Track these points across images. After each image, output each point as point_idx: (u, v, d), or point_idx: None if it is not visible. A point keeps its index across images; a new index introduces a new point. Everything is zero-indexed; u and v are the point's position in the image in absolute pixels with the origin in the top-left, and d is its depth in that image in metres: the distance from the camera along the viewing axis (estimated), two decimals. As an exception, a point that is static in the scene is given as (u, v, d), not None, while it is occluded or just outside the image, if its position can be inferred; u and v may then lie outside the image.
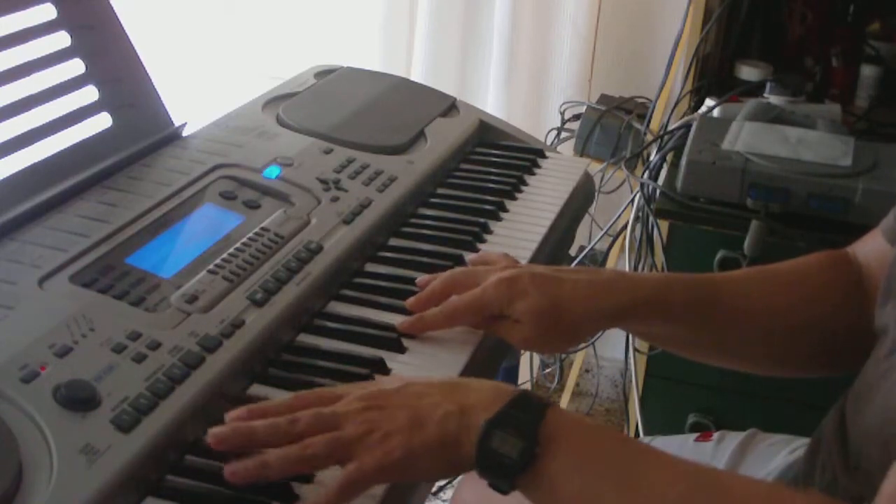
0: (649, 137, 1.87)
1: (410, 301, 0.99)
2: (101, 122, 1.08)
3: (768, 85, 1.80)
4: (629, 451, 0.76)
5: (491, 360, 1.00)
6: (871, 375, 0.88)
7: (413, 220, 1.18)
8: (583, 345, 2.16)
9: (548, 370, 2.44)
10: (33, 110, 1.01)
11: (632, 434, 1.95)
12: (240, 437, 0.76)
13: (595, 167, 1.85)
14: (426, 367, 0.91)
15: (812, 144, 1.60)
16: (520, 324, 0.95)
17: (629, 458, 0.76)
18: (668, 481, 0.74)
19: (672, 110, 1.86)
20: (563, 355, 2.23)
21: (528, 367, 2.29)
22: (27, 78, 1.01)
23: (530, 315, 0.94)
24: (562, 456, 0.74)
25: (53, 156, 1.02)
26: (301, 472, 0.75)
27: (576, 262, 1.99)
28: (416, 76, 2.21)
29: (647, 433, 1.82)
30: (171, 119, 1.16)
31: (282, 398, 0.81)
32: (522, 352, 2.17)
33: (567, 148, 2.04)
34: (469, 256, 1.08)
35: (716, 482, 0.74)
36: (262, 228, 1.01)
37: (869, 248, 1.01)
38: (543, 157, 1.38)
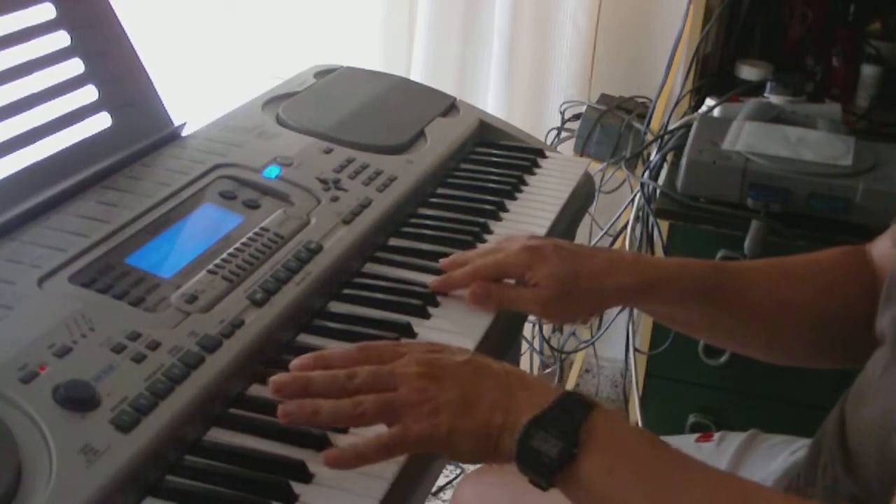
0: (649, 137, 1.87)
1: (445, 260, 1.04)
2: (101, 121, 1.08)
3: (768, 85, 1.80)
4: (662, 457, 0.77)
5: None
6: (870, 377, 0.88)
7: (413, 220, 1.17)
8: (583, 345, 2.16)
9: (548, 370, 2.44)
10: (33, 110, 1.01)
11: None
12: (297, 386, 0.79)
13: (595, 167, 1.85)
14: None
15: (812, 144, 1.60)
16: (538, 287, 0.99)
17: (662, 463, 0.77)
18: (698, 491, 0.75)
19: (672, 110, 1.86)
20: (563, 355, 2.23)
21: (528, 366, 2.29)
22: (27, 77, 1.01)
23: (549, 279, 0.99)
24: (597, 457, 0.75)
25: (53, 155, 1.01)
26: (348, 426, 0.80)
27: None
28: (416, 76, 2.21)
29: (647, 433, 1.82)
30: (170, 119, 1.16)
31: (346, 348, 0.83)
32: (522, 352, 2.17)
33: (567, 148, 2.04)
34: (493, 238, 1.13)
35: (746, 495, 0.75)
36: (262, 228, 1.01)
37: (880, 248, 1.02)
38: (543, 156, 1.38)
